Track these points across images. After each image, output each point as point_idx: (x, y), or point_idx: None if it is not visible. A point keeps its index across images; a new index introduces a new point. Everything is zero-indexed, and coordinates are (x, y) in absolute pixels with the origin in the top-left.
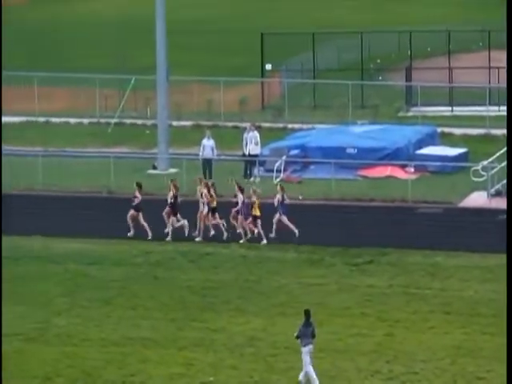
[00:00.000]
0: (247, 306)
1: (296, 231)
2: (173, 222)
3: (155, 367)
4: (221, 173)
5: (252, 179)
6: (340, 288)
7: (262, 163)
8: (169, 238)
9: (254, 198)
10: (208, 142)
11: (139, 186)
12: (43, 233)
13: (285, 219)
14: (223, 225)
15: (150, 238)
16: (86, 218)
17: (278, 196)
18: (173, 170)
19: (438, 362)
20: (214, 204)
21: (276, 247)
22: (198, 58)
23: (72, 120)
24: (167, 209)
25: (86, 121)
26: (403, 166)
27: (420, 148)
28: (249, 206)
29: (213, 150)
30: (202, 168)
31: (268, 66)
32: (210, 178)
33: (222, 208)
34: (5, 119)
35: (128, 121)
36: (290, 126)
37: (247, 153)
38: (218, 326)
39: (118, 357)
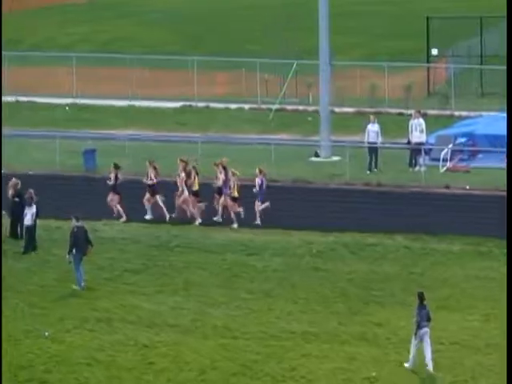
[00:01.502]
0: (411, 299)
1: (259, 222)
2: (156, 202)
3: (316, 362)
4: (385, 160)
5: (417, 168)
6: None
7: (427, 152)
8: (149, 216)
9: (232, 180)
10: (372, 127)
11: (116, 166)
12: (203, 222)
13: (258, 205)
14: (201, 208)
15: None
16: (245, 206)
17: (258, 180)
18: (335, 158)
19: None
20: (196, 187)
21: (441, 239)
22: (362, 41)
23: (232, 105)
24: (147, 192)
25: (246, 106)
26: None
27: None
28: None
29: (378, 135)
30: (368, 154)
31: (434, 51)
32: (376, 165)
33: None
34: (162, 104)
35: (289, 107)
36: (456, 113)
37: (412, 141)
38: (381, 320)
39: (278, 350)
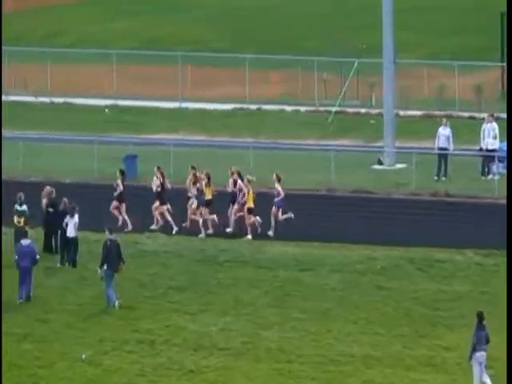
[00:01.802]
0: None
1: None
2: (162, 213)
3: None
4: (455, 168)
5: (490, 177)
6: None
7: (501, 159)
8: (154, 227)
9: (247, 189)
10: (444, 131)
11: (122, 173)
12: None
13: (274, 213)
14: (214, 220)
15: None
16: (300, 218)
17: (278, 187)
18: (400, 166)
19: None
20: (209, 197)
21: None
22: (429, 38)
23: (287, 108)
24: (156, 201)
25: (302, 109)
26: None
27: None
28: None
29: (449, 140)
30: (438, 160)
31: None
32: (445, 173)
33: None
34: (211, 106)
35: (350, 109)
36: None
37: (485, 147)
38: (450, 344)
39: (337, 376)
